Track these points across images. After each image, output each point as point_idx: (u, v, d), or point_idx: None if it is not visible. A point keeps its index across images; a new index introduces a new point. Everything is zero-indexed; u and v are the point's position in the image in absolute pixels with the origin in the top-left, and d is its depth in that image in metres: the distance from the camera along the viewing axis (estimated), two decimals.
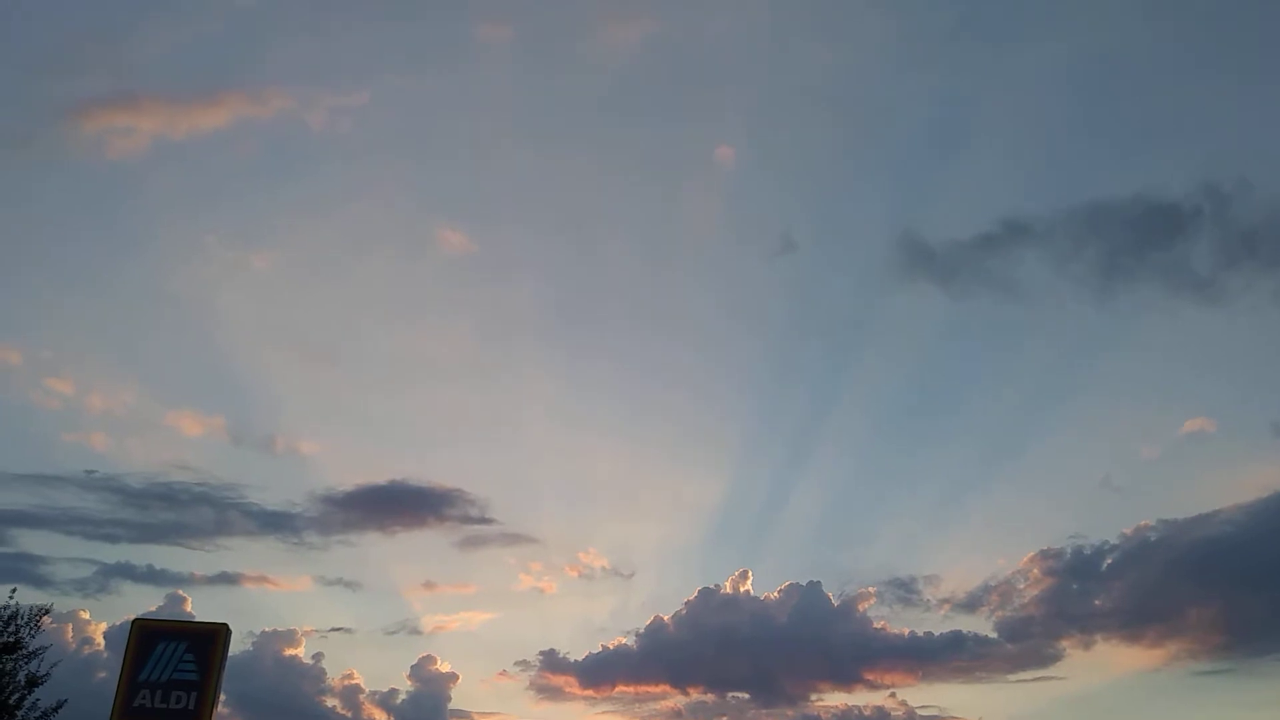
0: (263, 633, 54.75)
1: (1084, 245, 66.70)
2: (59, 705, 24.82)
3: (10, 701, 24.34)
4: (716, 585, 61.72)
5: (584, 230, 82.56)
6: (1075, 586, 58.94)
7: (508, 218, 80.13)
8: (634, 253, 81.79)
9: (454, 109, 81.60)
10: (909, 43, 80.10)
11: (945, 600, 61.06)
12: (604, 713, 58.99)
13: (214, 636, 15.98)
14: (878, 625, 59.90)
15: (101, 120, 65.96)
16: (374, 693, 55.64)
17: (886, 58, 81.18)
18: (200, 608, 54.93)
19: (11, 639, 24.63)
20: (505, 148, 79.42)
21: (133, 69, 71.72)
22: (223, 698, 16.04)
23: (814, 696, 57.69)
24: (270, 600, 59.04)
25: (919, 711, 55.93)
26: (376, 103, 75.04)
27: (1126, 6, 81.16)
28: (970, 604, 60.35)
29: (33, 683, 24.69)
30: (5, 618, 24.77)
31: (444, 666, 56.75)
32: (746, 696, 57.82)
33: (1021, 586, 60.32)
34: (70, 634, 47.41)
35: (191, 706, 15.42)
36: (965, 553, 72.30)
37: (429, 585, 63.49)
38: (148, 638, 15.84)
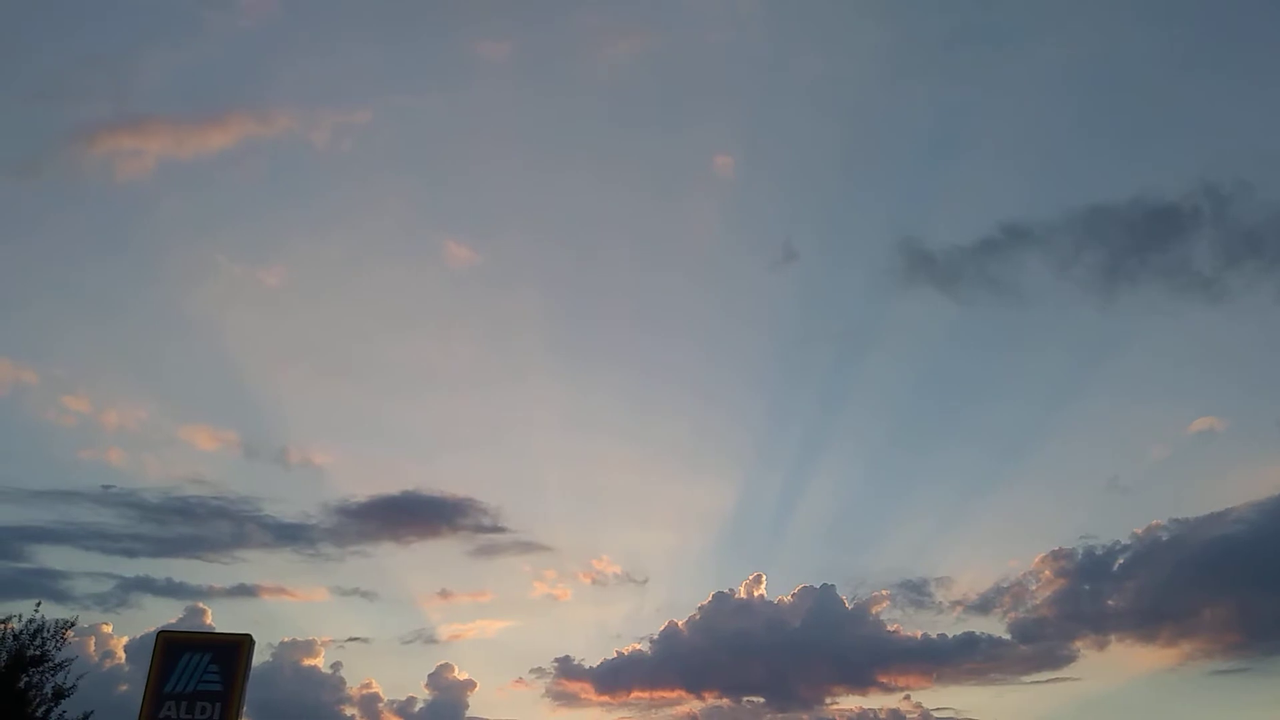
0: (282, 643, 55.18)
1: (1085, 248, 66.56)
2: (86, 717, 25.33)
3: (38, 714, 24.85)
4: (730, 590, 61.78)
5: (587, 241, 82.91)
6: (1087, 587, 58.69)
7: (512, 230, 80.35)
8: (638, 262, 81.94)
9: (456, 125, 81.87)
10: (906, 50, 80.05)
11: (958, 602, 61.00)
12: (620, 718, 59.21)
13: (238, 647, 16.37)
14: (891, 628, 59.93)
15: (109, 144, 66.60)
16: (392, 701, 56.02)
17: (883, 65, 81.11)
18: (220, 619, 55.73)
19: (38, 652, 25.19)
20: (507, 162, 79.59)
21: (138, 92, 72.38)
22: (244, 708, 16.40)
23: (829, 700, 57.73)
24: (288, 611, 59.42)
25: (933, 714, 55.82)
26: (379, 120, 75.34)
27: (1122, 9, 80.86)
28: (983, 605, 60.26)
29: (59, 695, 25.25)
30: (31, 631, 25.36)
31: (461, 674, 57.10)
32: (761, 700, 57.89)
33: (1033, 588, 60.19)
34: (92, 647, 47.96)
35: (216, 717, 15.79)
36: (977, 554, 72.28)
37: (444, 594, 63.74)
38: (172, 649, 16.21)
